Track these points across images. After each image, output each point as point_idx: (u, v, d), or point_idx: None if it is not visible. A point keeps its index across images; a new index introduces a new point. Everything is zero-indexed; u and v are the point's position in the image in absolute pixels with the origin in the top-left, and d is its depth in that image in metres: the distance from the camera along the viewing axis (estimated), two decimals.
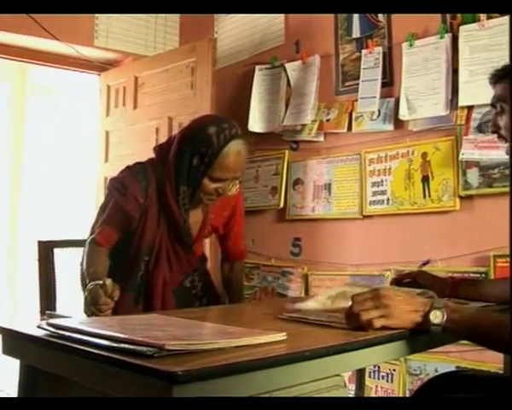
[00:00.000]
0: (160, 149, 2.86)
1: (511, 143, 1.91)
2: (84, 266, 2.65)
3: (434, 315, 1.72)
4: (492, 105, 2.11)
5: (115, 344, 1.43)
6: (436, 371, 3.49)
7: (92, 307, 2.30)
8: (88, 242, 2.74)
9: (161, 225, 2.75)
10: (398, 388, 3.77)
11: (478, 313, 1.77)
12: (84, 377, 1.50)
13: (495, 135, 2.15)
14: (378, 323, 1.73)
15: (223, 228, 3.04)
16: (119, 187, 2.73)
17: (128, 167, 2.82)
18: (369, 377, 3.89)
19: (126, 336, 1.45)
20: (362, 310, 1.74)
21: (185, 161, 2.66)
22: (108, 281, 2.31)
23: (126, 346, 1.40)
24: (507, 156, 3.20)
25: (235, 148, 2.66)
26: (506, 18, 3.39)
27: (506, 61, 3.29)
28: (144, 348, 1.35)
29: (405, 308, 1.76)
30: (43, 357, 1.63)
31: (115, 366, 1.36)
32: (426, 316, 1.74)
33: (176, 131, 4.64)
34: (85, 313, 2.34)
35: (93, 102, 5.61)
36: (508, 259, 3.32)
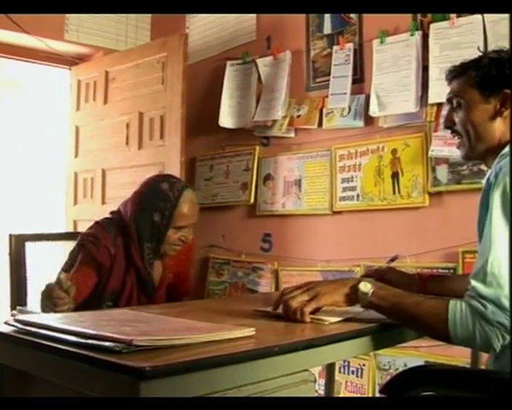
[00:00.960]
0: (119, 212, 3.02)
1: None
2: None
3: (364, 285, 1.86)
4: (448, 100, 2.12)
5: (83, 340, 1.42)
6: (405, 365, 3.52)
7: (47, 300, 2.33)
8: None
9: (130, 274, 2.90)
10: (368, 383, 3.79)
11: (403, 293, 1.87)
12: (52, 374, 1.49)
13: (449, 130, 2.17)
14: (309, 307, 1.84)
15: (176, 276, 3.19)
16: (91, 239, 2.86)
17: (97, 222, 2.98)
18: (339, 372, 3.90)
19: (94, 332, 1.45)
20: (290, 298, 1.86)
21: (146, 219, 2.87)
22: (63, 275, 2.38)
23: (94, 342, 1.40)
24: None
25: (188, 196, 2.94)
26: (476, 16, 3.42)
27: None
28: (112, 344, 1.35)
29: (333, 286, 1.91)
30: (11, 354, 1.62)
31: (83, 362, 1.36)
32: (354, 287, 1.87)
33: (146, 126, 4.68)
34: (42, 309, 2.36)
35: (63, 97, 5.56)
36: (476, 254, 3.34)
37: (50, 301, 2.31)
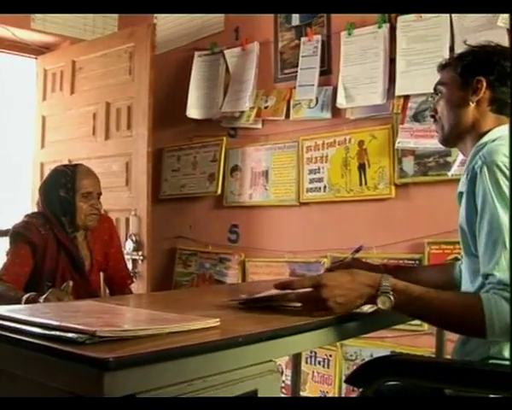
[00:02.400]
0: (37, 210, 3.28)
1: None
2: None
3: (382, 302, 1.76)
4: (434, 90, 2.16)
5: (46, 331, 1.41)
6: (371, 356, 3.53)
7: None
8: None
9: (61, 255, 3.11)
10: (335, 373, 3.81)
11: (426, 293, 1.79)
12: (14, 366, 1.47)
13: (432, 119, 2.20)
14: (337, 310, 1.78)
15: (104, 257, 3.38)
16: (22, 225, 3.10)
17: (25, 215, 3.22)
18: (306, 362, 3.92)
19: (58, 323, 1.43)
20: (330, 296, 1.77)
21: (54, 198, 3.14)
22: (71, 282, 2.65)
23: (58, 333, 1.38)
24: (442, 146, 3.27)
25: (83, 168, 3.29)
26: None
27: (442, 52, 3.37)
28: (75, 335, 1.34)
29: (354, 295, 1.80)
30: None
31: (46, 354, 1.34)
32: (372, 299, 1.78)
33: (113, 116, 4.66)
34: None
35: (29, 87, 5.50)
36: (441, 246, 3.38)
37: None
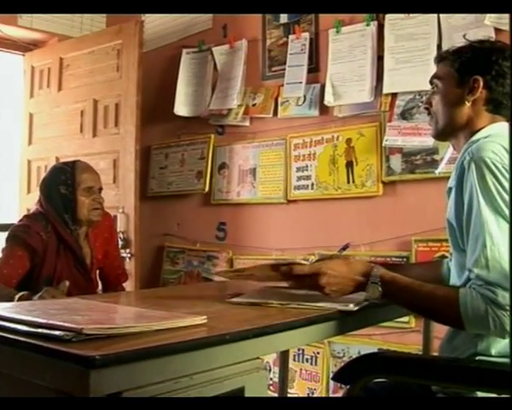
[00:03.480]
0: (37, 209, 3.22)
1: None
2: None
3: (371, 291, 1.88)
4: (430, 83, 2.15)
5: (32, 329, 1.40)
6: (359, 353, 3.54)
7: None
8: None
9: (61, 256, 3.10)
10: (322, 370, 3.82)
11: (412, 284, 1.86)
12: (0, 364, 1.46)
13: (426, 112, 2.20)
14: (331, 295, 1.93)
15: (104, 255, 3.39)
16: (22, 228, 3.07)
17: (26, 215, 3.27)
18: (294, 360, 3.92)
19: (44, 321, 1.43)
20: (327, 284, 1.90)
21: (55, 196, 3.12)
22: (67, 282, 2.72)
23: (44, 331, 1.38)
24: (429, 143, 3.28)
25: (82, 163, 3.28)
26: None
27: (430, 50, 3.38)
28: (62, 333, 1.33)
29: (345, 282, 1.93)
30: None
31: (32, 352, 1.34)
32: (362, 288, 1.91)
33: (101, 114, 4.64)
34: None
35: (17, 84, 5.48)
36: (428, 243, 3.39)
37: None
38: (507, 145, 1.80)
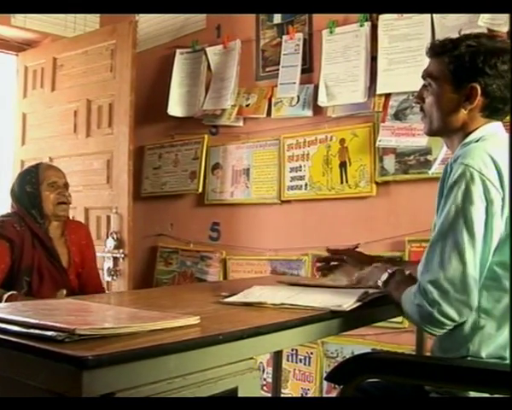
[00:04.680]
0: (10, 212, 3.35)
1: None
2: None
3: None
4: (422, 77, 2.11)
5: (25, 330, 1.40)
6: (352, 353, 3.54)
7: None
8: None
9: (37, 248, 3.17)
10: (316, 371, 3.82)
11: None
12: None
13: (418, 107, 2.18)
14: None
15: (81, 260, 3.44)
16: None
17: (0, 215, 3.33)
18: (287, 360, 3.93)
19: (37, 322, 1.43)
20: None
21: (23, 195, 3.25)
22: (65, 291, 2.89)
23: (37, 331, 1.38)
24: (423, 144, 3.28)
25: (45, 163, 3.55)
26: None
27: (423, 50, 3.37)
28: (54, 333, 1.33)
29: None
30: None
31: (25, 352, 1.34)
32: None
33: (94, 114, 4.66)
34: None
35: (10, 83, 5.47)
36: (422, 243, 3.39)
37: None
38: (497, 148, 1.82)
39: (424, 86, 2.11)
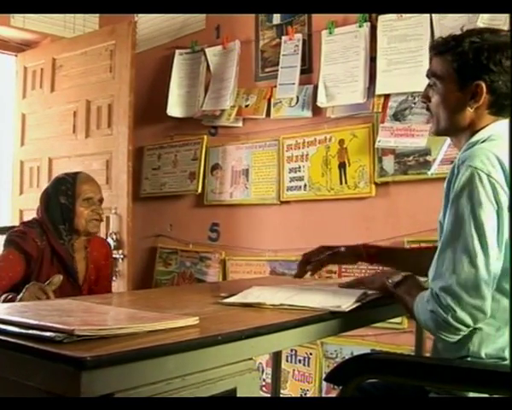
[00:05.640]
0: (36, 218, 3.25)
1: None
2: None
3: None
4: (427, 76, 2.10)
5: (24, 330, 1.40)
6: (352, 354, 3.54)
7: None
8: None
9: (55, 266, 3.09)
10: (315, 371, 3.82)
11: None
12: None
13: (425, 106, 2.17)
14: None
15: (96, 279, 3.36)
16: (19, 234, 3.08)
17: (23, 222, 3.34)
18: (287, 360, 3.92)
19: (36, 322, 1.43)
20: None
21: (55, 205, 3.15)
22: (61, 277, 2.71)
23: (35, 332, 1.37)
24: (422, 144, 3.28)
25: (83, 174, 3.30)
26: None
27: (423, 51, 3.38)
28: (53, 334, 1.33)
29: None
30: None
31: (23, 353, 1.33)
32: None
33: (94, 114, 4.65)
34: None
35: (9, 84, 5.47)
36: (421, 244, 3.39)
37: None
38: (504, 150, 1.79)
39: (429, 85, 2.09)
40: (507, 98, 1.94)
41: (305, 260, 2.59)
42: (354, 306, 1.94)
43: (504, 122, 1.97)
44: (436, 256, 1.82)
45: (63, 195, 3.16)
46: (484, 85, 1.92)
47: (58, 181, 3.26)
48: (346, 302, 1.94)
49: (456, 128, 2.03)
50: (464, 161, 1.81)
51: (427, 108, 2.13)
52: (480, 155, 1.80)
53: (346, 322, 1.99)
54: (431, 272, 1.83)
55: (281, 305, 1.95)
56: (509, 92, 1.94)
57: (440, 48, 2.05)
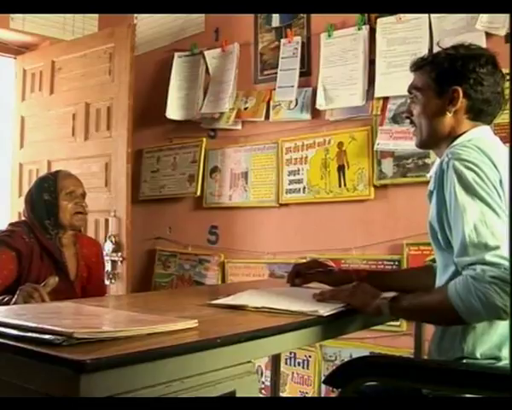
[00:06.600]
0: (23, 220, 3.32)
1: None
2: None
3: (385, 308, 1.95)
4: (409, 92, 2.18)
5: (23, 333, 1.40)
6: (351, 356, 3.55)
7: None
8: None
9: (45, 262, 3.11)
10: (314, 374, 3.82)
11: (410, 301, 1.92)
12: None
13: (408, 120, 2.22)
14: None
15: (88, 276, 3.37)
16: (6, 233, 3.12)
17: (10, 223, 3.35)
18: (286, 363, 3.92)
19: (35, 325, 1.42)
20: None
21: (39, 202, 3.18)
22: (57, 278, 2.69)
23: (34, 335, 1.37)
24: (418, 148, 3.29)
25: (64, 171, 3.39)
26: None
27: (421, 53, 3.38)
28: (52, 337, 1.33)
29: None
30: None
31: (22, 356, 1.33)
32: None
33: (93, 117, 4.65)
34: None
35: (8, 87, 5.47)
36: (420, 247, 3.40)
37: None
38: (485, 148, 1.87)
39: (411, 100, 2.18)
40: (484, 103, 2.04)
41: (295, 272, 2.59)
42: (332, 312, 1.94)
43: (485, 128, 2.06)
44: (454, 238, 1.82)
45: (46, 192, 3.20)
46: (460, 90, 2.02)
47: (40, 180, 3.33)
48: (324, 307, 1.94)
49: (437, 136, 2.10)
50: (448, 160, 1.86)
51: (411, 122, 2.19)
52: (461, 149, 1.88)
53: (344, 325, 2.01)
54: (457, 255, 1.79)
55: (262, 307, 1.95)
56: (486, 98, 2.03)
57: (419, 63, 2.18)
